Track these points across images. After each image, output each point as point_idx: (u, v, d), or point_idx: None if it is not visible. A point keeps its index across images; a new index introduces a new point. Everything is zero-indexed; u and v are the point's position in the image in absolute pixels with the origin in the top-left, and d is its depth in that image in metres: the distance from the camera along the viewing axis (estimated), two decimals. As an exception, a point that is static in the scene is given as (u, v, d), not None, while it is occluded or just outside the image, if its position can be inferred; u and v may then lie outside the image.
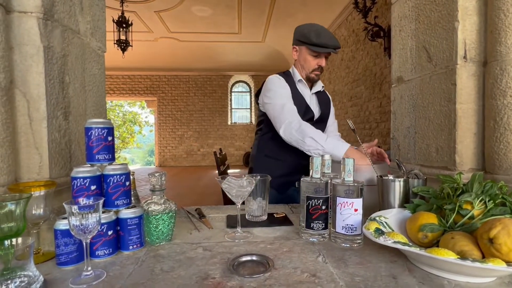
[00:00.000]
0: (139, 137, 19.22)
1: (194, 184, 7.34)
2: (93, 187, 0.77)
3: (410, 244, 0.67)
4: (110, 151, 0.81)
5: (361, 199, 0.85)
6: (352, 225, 0.84)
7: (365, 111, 5.00)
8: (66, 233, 0.71)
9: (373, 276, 0.68)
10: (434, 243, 0.76)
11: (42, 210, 0.77)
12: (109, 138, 0.81)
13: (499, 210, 0.74)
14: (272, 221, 1.10)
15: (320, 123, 1.58)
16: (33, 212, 0.76)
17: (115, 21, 5.13)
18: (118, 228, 0.82)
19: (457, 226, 0.76)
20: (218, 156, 3.56)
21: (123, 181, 0.81)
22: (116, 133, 15.38)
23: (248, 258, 0.77)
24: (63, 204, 0.64)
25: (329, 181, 0.90)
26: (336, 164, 1.09)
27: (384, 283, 0.64)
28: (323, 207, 0.88)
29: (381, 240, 0.68)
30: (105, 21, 1.34)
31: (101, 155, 0.79)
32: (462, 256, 0.63)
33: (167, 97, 11.14)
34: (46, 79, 0.94)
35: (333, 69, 6.68)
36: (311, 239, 0.90)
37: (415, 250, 0.62)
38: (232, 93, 11.83)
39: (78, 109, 1.13)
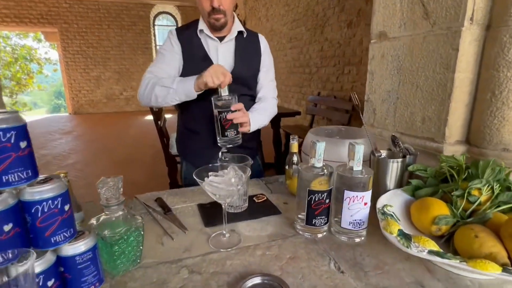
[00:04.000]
0: (40, 78, 15.99)
1: (123, 134, 6.60)
2: (6, 227, 0.47)
3: (443, 252, 0.60)
4: (27, 164, 0.49)
5: (371, 190, 0.75)
6: (360, 220, 0.75)
7: (305, 54, 4.90)
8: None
9: (398, 286, 0.61)
10: (446, 235, 0.72)
11: None
12: (22, 145, 0.48)
13: (506, 196, 0.73)
14: (254, 209, 0.94)
15: (237, 84, 1.16)
16: None
17: None
18: (62, 269, 0.55)
19: (467, 215, 0.73)
20: (154, 108, 3.10)
21: (59, 206, 0.52)
22: (6, 73, 12.37)
23: (257, 281, 0.61)
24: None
25: (334, 171, 0.77)
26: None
27: (419, 299, 0.58)
28: (327, 201, 0.76)
29: (413, 250, 0.59)
30: None
31: (13, 174, 0.47)
32: (492, 259, 0.59)
33: (72, 29, 9.07)
34: None
35: (271, 5, 6.19)
36: (311, 236, 0.79)
37: (461, 265, 0.55)
38: (156, 27, 10.30)
39: None
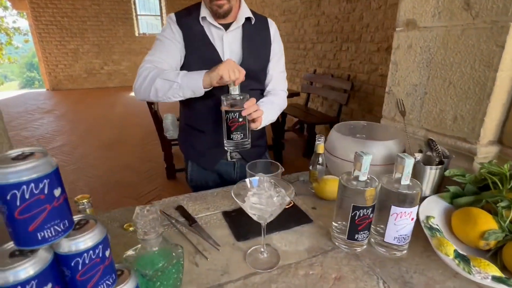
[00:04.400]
0: (10, 49, 14.81)
1: (109, 113, 6.31)
2: (47, 289, 0.40)
3: (507, 277, 0.58)
4: (63, 213, 0.41)
5: (418, 204, 0.71)
6: (405, 235, 0.72)
7: (300, 28, 4.70)
8: None
9: (455, 308, 0.60)
10: (493, 249, 0.70)
11: None
12: (56, 193, 0.40)
13: (553, 207, 0.71)
14: (284, 217, 0.89)
15: (246, 78, 1.00)
16: None
17: None
18: (104, 316, 0.50)
19: (514, 227, 0.71)
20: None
21: (101, 254, 0.45)
22: (-28, 45, 11.36)
23: (310, 312, 0.58)
24: None
25: (378, 185, 0.72)
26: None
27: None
28: (371, 215, 0.72)
29: (476, 277, 0.57)
30: None
31: (49, 229, 0.39)
32: (552, 281, 0.58)
33: (43, -4, 8.29)
34: None
35: (261, -27, 5.81)
36: (351, 250, 0.76)
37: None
38: (136, -6, 9.56)
39: None
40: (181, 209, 0.93)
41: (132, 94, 8.35)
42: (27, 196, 0.36)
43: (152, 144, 4.17)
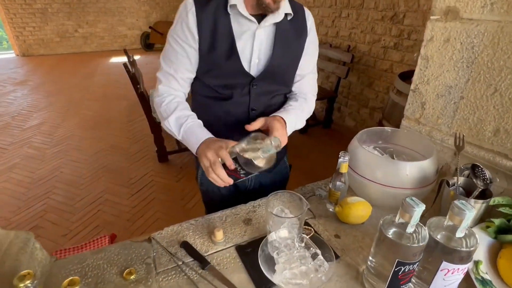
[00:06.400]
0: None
1: (87, 82, 5.86)
2: None
3: None
4: None
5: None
6: (454, 289, 0.63)
7: (294, -11, 4.28)
8: None
9: None
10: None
11: None
12: None
13: None
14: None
15: (272, 80, 0.95)
16: None
17: None
18: None
19: None
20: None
21: None
22: None
23: None
24: None
25: (427, 235, 0.61)
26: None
27: None
28: (415, 269, 0.62)
29: None
30: None
31: None
32: None
33: None
34: None
35: None
36: (390, 302, 0.67)
37: None
38: None
39: None
40: (186, 247, 0.81)
41: (113, 60, 7.79)
42: None
43: (140, 121, 3.93)
